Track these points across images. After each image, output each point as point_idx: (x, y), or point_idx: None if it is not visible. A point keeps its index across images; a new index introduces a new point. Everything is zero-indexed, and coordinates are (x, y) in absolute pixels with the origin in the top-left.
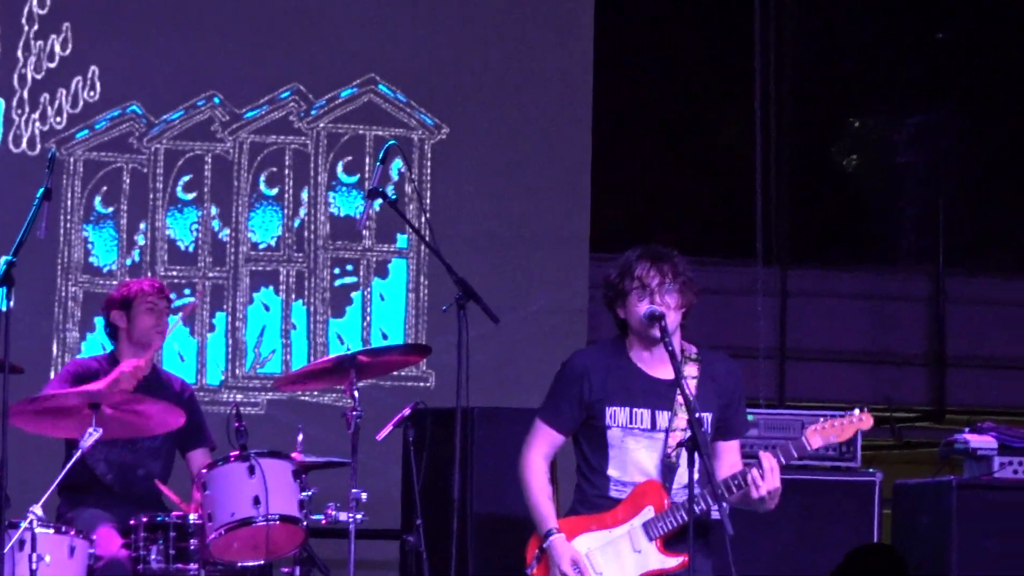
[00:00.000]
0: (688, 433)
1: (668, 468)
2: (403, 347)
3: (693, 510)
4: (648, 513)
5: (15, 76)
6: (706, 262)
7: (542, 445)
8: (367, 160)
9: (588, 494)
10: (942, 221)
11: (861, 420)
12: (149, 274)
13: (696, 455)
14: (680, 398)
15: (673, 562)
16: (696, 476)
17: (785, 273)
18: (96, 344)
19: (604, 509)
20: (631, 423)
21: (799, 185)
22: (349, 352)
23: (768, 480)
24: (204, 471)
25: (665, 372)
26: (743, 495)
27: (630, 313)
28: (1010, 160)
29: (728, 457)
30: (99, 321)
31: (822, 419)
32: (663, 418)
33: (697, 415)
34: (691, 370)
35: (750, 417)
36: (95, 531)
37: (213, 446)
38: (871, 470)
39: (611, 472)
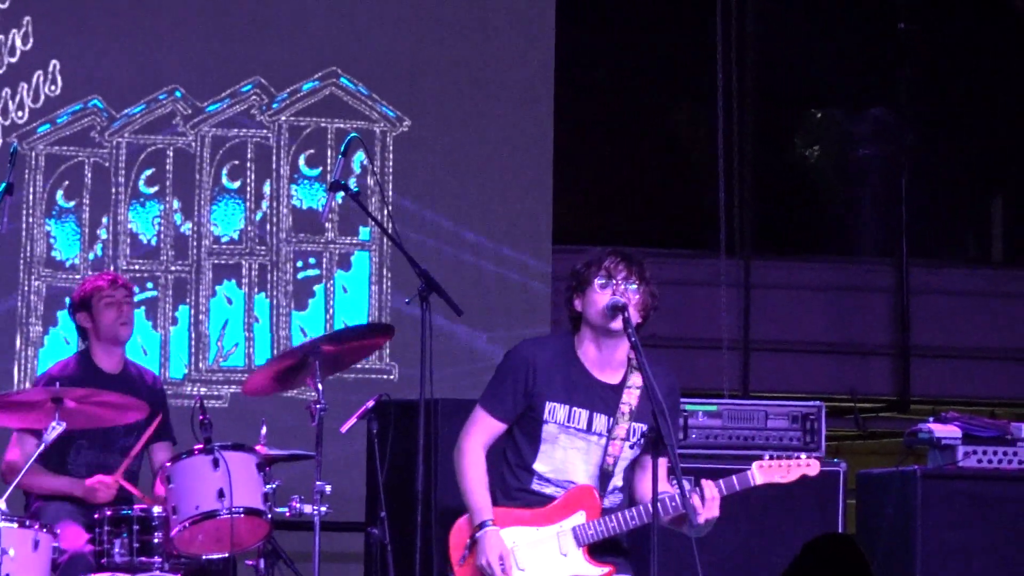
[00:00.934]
0: (637, 440)
1: (604, 475)
2: (365, 327)
3: (658, 509)
4: (579, 518)
5: None
6: (669, 254)
7: (481, 434)
8: (329, 153)
9: (510, 485)
10: (904, 212)
11: (809, 465)
12: (111, 268)
13: (657, 455)
14: (623, 407)
15: (597, 572)
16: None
17: (748, 265)
18: (59, 339)
19: (524, 503)
20: (568, 421)
21: (761, 177)
22: (310, 340)
23: (708, 509)
24: (168, 464)
25: (610, 376)
26: (676, 516)
27: (589, 303)
28: (971, 151)
29: (652, 472)
30: (70, 325)
31: (768, 456)
32: (599, 421)
33: (637, 426)
34: (636, 379)
35: (714, 407)
36: (59, 525)
37: (175, 441)
38: (836, 460)
39: (537, 466)
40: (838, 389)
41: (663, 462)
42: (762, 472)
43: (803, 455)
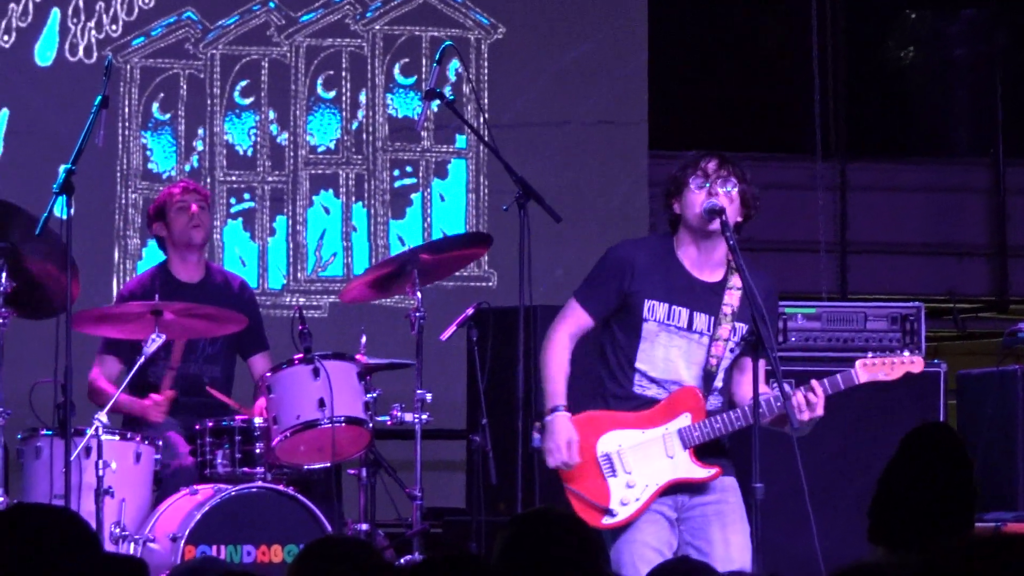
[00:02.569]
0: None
1: (708, 376)
2: (463, 237)
3: (757, 412)
4: (685, 420)
5: None
6: (765, 158)
7: (571, 325)
8: (424, 61)
9: (610, 390)
10: (1000, 112)
11: (913, 363)
12: (208, 180)
13: (759, 357)
14: (725, 308)
15: (704, 473)
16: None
17: (844, 167)
18: (156, 251)
19: (627, 406)
20: (668, 319)
21: (856, 80)
22: (409, 250)
23: (816, 407)
24: (268, 375)
25: (710, 275)
26: (778, 417)
27: (687, 205)
28: None
29: (751, 373)
30: (150, 241)
31: (871, 354)
32: (700, 320)
33: (737, 326)
34: (736, 281)
35: (813, 310)
36: (161, 437)
37: (268, 348)
38: (936, 361)
39: (639, 365)
40: (936, 290)
41: (762, 364)
42: (865, 370)
43: (906, 352)
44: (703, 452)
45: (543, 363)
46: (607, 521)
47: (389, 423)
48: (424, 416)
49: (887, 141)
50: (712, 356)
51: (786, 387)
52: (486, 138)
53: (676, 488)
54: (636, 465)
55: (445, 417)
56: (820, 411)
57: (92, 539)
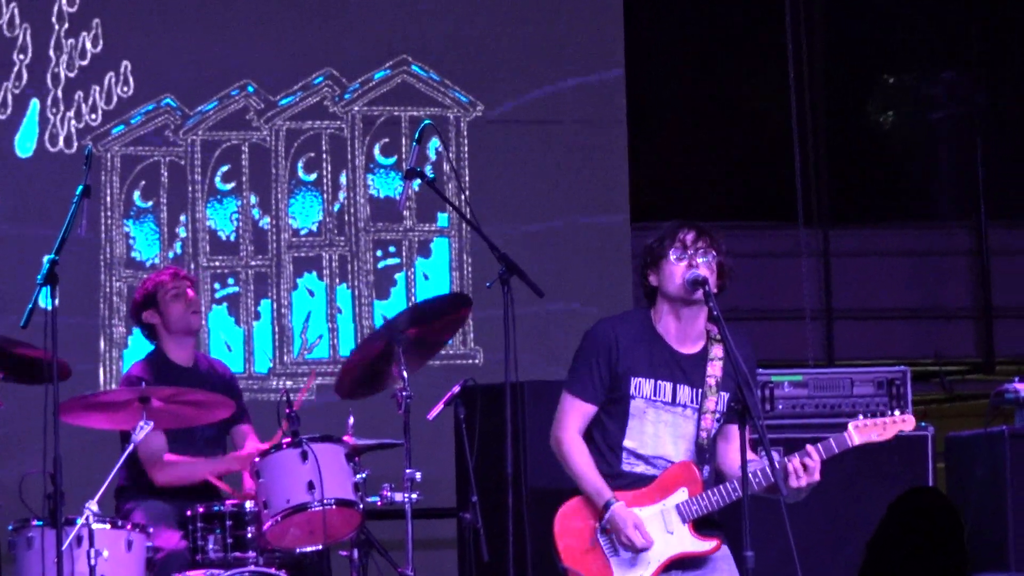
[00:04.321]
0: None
1: (700, 450)
2: (443, 299)
3: (747, 480)
4: (682, 495)
5: (48, 75)
6: (748, 226)
7: (575, 420)
8: (403, 141)
9: (601, 469)
10: (981, 174)
11: (904, 421)
12: (192, 266)
13: (746, 425)
14: (710, 380)
15: (706, 546)
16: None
17: (827, 233)
18: (142, 339)
19: (616, 485)
20: (655, 395)
21: (836, 145)
22: (391, 320)
23: (813, 472)
24: (257, 459)
25: (691, 347)
26: (772, 485)
27: (666, 277)
28: None
29: (738, 441)
30: (135, 330)
31: (862, 416)
32: (683, 393)
33: (721, 394)
34: (716, 351)
35: (799, 377)
36: (152, 524)
37: (250, 422)
38: (923, 424)
39: (627, 443)
40: (923, 353)
41: (748, 431)
42: (859, 432)
43: (896, 412)
44: (701, 526)
45: (570, 466)
46: None
47: (379, 503)
48: (414, 495)
49: (869, 206)
50: (703, 430)
51: (774, 454)
52: (468, 216)
53: (677, 564)
54: None
55: (435, 495)
56: (816, 476)
57: None
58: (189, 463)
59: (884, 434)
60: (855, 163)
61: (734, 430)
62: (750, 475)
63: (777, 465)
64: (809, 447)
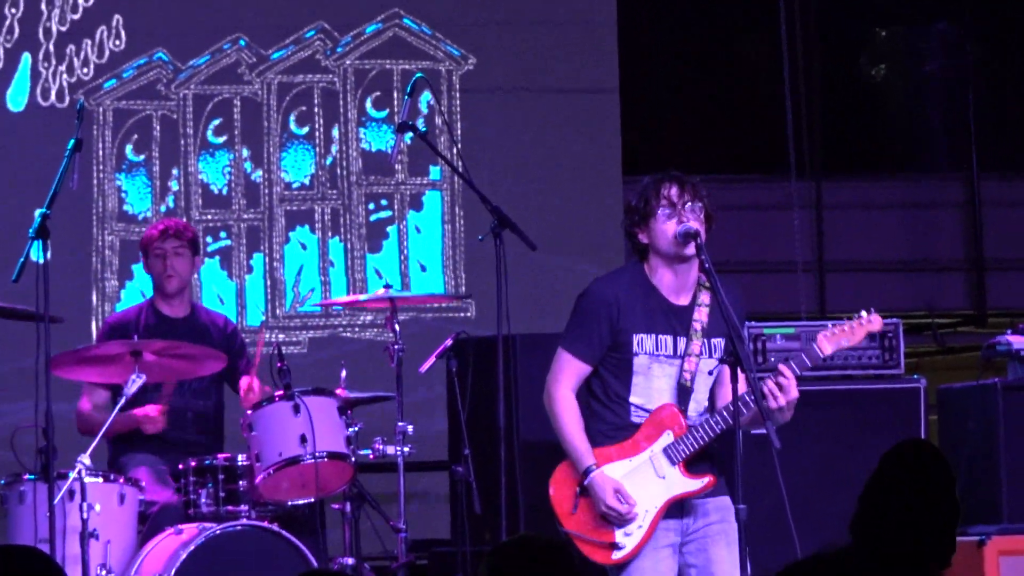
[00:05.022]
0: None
1: (683, 391)
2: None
3: (738, 419)
4: (667, 438)
5: (40, 29)
6: (740, 179)
7: (569, 378)
8: (395, 94)
9: (609, 422)
10: (973, 126)
11: (870, 322)
12: (184, 219)
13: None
14: (695, 324)
15: (698, 484)
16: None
17: (819, 186)
18: (135, 292)
19: (623, 436)
20: (657, 350)
21: (829, 98)
22: (386, 294)
23: (788, 390)
24: (249, 412)
25: (684, 299)
26: (753, 414)
27: (657, 234)
28: None
29: (729, 386)
30: (145, 278)
31: (831, 324)
32: (682, 343)
33: (711, 341)
34: (703, 297)
35: (791, 330)
36: (144, 477)
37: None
38: (915, 376)
39: (633, 399)
40: (915, 306)
41: (742, 376)
42: (829, 340)
43: (863, 312)
44: (693, 463)
45: (558, 425)
46: (617, 556)
47: (372, 456)
48: (406, 448)
49: (862, 158)
50: (685, 371)
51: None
52: (460, 169)
53: (680, 511)
54: (635, 493)
55: (427, 449)
56: (794, 393)
57: (58, 574)
58: (100, 421)
59: (853, 338)
60: (847, 115)
61: (726, 373)
62: (731, 407)
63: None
64: (781, 365)
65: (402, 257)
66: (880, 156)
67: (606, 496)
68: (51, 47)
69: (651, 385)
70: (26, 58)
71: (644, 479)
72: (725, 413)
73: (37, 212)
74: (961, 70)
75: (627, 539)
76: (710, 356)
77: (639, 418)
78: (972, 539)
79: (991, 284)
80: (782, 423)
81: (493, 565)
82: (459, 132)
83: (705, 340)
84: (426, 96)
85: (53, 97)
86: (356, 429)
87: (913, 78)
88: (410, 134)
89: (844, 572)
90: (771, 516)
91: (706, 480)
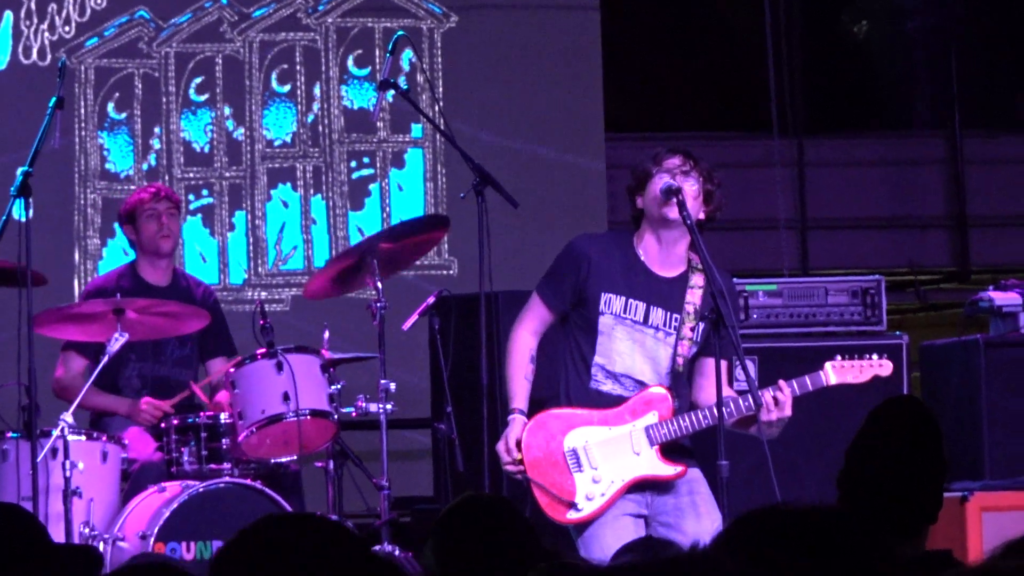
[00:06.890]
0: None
1: (675, 375)
2: (421, 221)
3: (723, 410)
4: (652, 418)
5: None
6: (722, 136)
7: (533, 320)
8: (377, 52)
9: (572, 385)
10: (955, 83)
11: (881, 366)
12: (166, 177)
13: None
14: (688, 306)
15: (670, 471)
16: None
17: (801, 143)
18: (118, 250)
19: (588, 403)
20: (625, 312)
21: (811, 55)
22: (367, 239)
23: (784, 407)
24: (232, 370)
25: (670, 271)
26: (744, 418)
27: (649, 199)
28: (1019, 17)
29: (713, 378)
30: (110, 242)
31: (840, 357)
32: (656, 315)
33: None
34: (697, 279)
35: (774, 286)
36: (127, 435)
37: (236, 355)
38: (898, 333)
39: (597, 359)
40: (897, 263)
41: (724, 365)
42: (836, 372)
43: (874, 356)
44: (669, 451)
45: (505, 363)
46: (572, 516)
47: (354, 414)
48: (389, 406)
49: (844, 116)
50: (679, 355)
51: (750, 365)
52: (442, 127)
53: (645, 486)
54: (602, 461)
55: (410, 406)
56: (788, 411)
57: (39, 531)
58: (80, 389)
59: (860, 377)
60: (830, 72)
61: (710, 365)
62: (723, 408)
63: (751, 401)
64: (782, 382)
65: (384, 215)
66: (862, 113)
67: (505, 439)
68: (33, 5)
69: (612, 347)
70: (8, 16)
71: (618, 450)
72: (715, 411)
73: (19, 170)
74: (944, 27)
75: (587, 503)
76: (700, 340)
77: (596, 383)
78: (955, 495)
79: (974, 241)
80: (768, 438)
81: (438, 541)
82: (441, 90)
83: (698, 324)
84: (408, 54)
85: (35, 55)
86: (339, 387)
87: (896, 35)
88: (391, 92)
89: (812, 527)
90: (754, 474)
91: (679, 469)
